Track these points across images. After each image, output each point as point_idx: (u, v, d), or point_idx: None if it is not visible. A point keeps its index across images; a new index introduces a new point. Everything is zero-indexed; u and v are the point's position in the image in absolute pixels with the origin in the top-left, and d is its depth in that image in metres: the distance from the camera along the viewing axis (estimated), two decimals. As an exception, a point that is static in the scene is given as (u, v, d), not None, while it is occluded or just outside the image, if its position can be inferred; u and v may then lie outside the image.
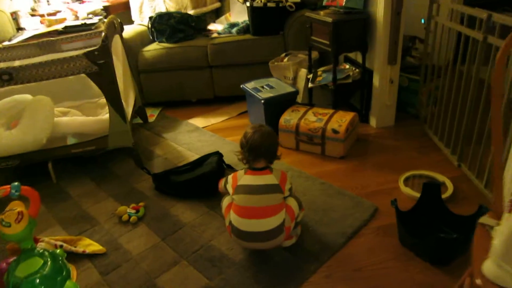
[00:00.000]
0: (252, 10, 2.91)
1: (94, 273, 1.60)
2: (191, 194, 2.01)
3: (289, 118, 2.38)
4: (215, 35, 3.13)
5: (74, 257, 1.67)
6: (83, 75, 1.99)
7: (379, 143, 2.40)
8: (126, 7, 3.47)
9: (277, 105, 2.47)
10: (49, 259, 1.39)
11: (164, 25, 3.04)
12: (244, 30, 3.07)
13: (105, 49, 1.97)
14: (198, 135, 2.68)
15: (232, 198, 1.57)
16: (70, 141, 2.24)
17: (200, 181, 2.02)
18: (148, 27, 3.13)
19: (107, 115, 2.16)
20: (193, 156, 2.37)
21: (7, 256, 1.62)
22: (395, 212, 1.62)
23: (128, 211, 1.91)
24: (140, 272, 1.59)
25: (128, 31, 3.00)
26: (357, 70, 2.54)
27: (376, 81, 2.46)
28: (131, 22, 3.42)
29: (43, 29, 3.04)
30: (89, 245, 1.72)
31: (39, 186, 2.00)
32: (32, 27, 3.10)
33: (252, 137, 1.56)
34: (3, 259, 1.59)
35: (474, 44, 1.87)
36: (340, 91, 2.50)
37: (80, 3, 3.46)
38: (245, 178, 1.57)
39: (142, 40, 3.10)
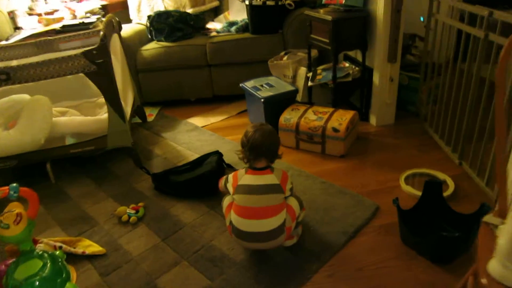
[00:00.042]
0: (251, 9, 2.90)
1: (94, 275, 1.58)
2: (191, 194, 2.00)
3: (289, 117, 2.37)
4: (214, 33, 3.12)
5: (74, 258, 1.65)
6: (81, 74, 1.98)
7: (379, 141, 2.40)
8: (124, 6, 3.44)
9: (277, 104, 2.46)
10: (48, 261, 1.38)
11: (162, 24, 3.03)
12: (243, 28, 3.06)
13: (103, 48, 1.95)
14: (198, 134, 2.66)
15: (233, 198, 1.56)
16: (69, 141, 2.23)
17: (200, 180, 2.00)
18: (146, 26, 3.12)
19: (106, 115, 2.14)
20: (192, 156, 2.36)
21: (5, 258, 1.60)
22: (396, 210, 1.61)
23: (127, 211, 1.90)
24: (141, 273, 1.58)
25: (127, 30, 2.98)
26: (357, 68, 2.54)
27: (376, 79, 2.45)
28: (129, 21, 3.40)
29: (40, 28, 3.02)
30: (88, 246, 1.71)
31: (37, 186, 1.98)
32: (30, 26, 3.08)
33: (253, 136, 1.54)
34: (1, 261, 1.58)
35: (475, 42, 1.86)
36: (340, 90, 2.49)
37: (78, 2, 3.44)
38: (245, 177, 1.55)
39: (140, 39, 3.09)
